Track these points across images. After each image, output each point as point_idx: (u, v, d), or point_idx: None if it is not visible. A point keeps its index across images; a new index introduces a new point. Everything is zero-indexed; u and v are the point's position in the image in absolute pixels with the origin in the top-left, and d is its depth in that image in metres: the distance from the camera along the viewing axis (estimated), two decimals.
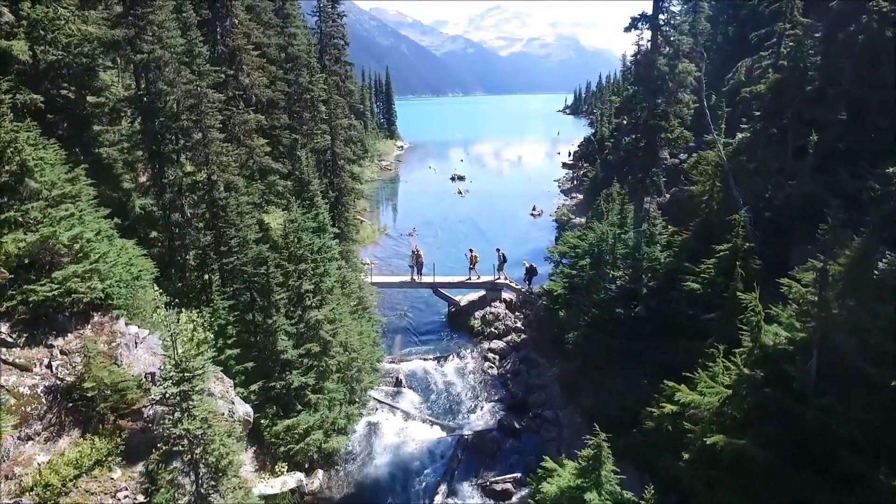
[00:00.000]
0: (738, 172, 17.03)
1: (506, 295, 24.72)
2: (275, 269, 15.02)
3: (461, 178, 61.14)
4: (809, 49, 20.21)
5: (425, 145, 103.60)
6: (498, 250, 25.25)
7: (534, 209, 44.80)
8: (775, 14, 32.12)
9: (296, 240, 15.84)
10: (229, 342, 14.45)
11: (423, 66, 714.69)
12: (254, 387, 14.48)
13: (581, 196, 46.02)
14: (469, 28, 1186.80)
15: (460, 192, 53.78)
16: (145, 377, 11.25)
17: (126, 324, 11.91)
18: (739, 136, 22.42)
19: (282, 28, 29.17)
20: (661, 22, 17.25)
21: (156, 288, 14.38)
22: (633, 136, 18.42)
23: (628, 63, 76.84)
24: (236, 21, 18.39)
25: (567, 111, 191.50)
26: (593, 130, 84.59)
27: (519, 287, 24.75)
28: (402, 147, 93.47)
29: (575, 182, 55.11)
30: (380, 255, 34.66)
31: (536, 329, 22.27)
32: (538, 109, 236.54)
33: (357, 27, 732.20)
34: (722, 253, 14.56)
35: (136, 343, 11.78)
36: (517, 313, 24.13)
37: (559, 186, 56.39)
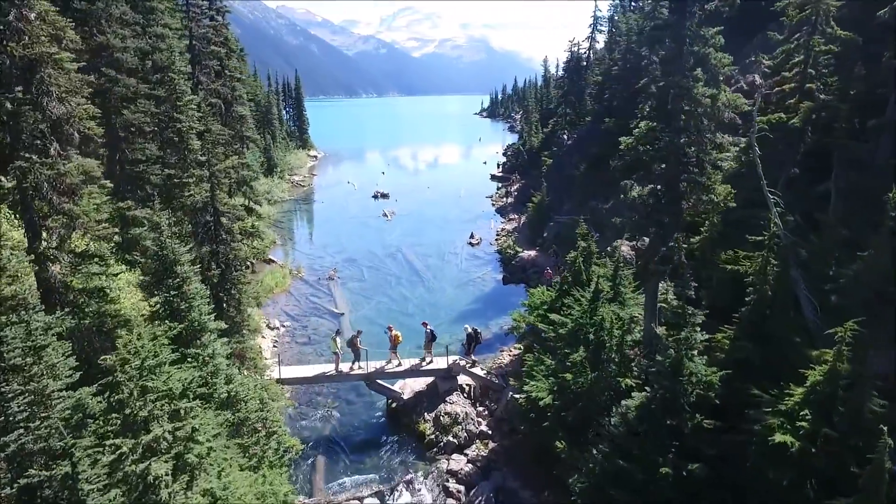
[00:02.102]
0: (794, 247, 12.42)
1: (462, 379, 19.04)
2: (89, 464, 8.44)
3: (385, 196, 54.81)
4: (824, 68, 16.42)
5: (341, 153, 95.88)
6: (425, 325, 19.47)
7: (472, 237, 39.54)
8: (744, 18, 28.77)
9: (134, 394, 9.29)
10: None
11: (334, 66, 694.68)
12: None
13: (520, 217, 41.49)
14: (381, 28, 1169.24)
15: (385, 215, 47.49)
16: None
17: None
18: (724, 165, 18.23)
19: (143, 27, 21.76)
20: (690, 32, 12.26)
21: None
22: (651, 188, 13.33)
23: (557, 70, 74.45)
24: (31, 15, 11.35)
25: (484, 114, 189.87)
26: (518, 137, 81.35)
27: (477, 371, 19.17)
28: (315, 157, 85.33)
29: (510, 199, 50.70)
30: (293, 310, 27.78)
31: (508, 434, 16.82)
32: (455, 112, 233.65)
33: (263, 24, 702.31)
34: (815, 380, 9.71)
35: None
36: (478, 405, 18.55)
37: (493, 204, 51.78)
